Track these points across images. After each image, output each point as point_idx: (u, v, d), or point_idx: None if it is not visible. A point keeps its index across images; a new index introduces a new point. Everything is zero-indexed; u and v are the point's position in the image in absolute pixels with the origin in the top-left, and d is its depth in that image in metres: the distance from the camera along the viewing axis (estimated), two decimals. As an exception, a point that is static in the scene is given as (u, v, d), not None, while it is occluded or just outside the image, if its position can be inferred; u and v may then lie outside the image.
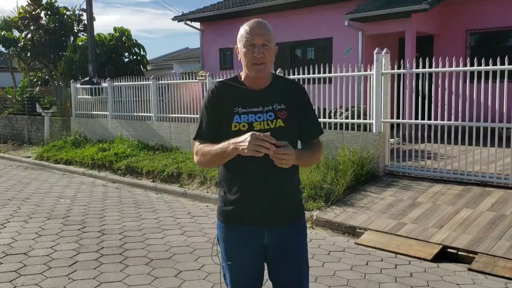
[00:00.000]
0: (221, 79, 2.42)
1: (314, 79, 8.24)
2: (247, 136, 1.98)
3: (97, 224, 6.08)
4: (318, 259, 4.79)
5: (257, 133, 1.98)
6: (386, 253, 4.97)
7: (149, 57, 17.38)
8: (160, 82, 11.18)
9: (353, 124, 7.76)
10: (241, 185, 2.23)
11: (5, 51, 18.27)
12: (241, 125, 2.18)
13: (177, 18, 16.19)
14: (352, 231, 5.65)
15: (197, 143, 2.29)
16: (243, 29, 2.21)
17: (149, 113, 11.22)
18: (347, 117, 7.87)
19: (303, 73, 8.39)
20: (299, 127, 2.27)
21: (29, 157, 12.41)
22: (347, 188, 6.71)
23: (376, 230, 5.46)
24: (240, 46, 2.22)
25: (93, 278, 4.26)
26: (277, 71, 8.77)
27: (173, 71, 23.00)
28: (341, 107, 8.08)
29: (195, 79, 10.67)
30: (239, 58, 2.24)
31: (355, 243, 5.30)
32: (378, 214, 5.88)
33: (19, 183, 9.05)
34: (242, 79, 2.28)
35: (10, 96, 16.60)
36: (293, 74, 8.54)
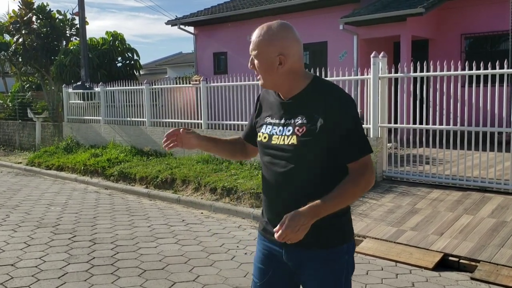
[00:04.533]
0: None
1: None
2: None
3: (88, 233, 5.90)
4: (316, 269, 4.64)
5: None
6: (386, 262, 4.83)
7: (143, 61, 17.27)
8: (154, 86, 11.02)
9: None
10: (264, 197, 2.14)
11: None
12: (263, 136, 2.08)
13: (171, 23, 16.05)
14: (351, 239, 5.51)
15: None
16: None
17: (143, 118, 11.06)
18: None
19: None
20: (331, 148, 1.92)
21: (20, 163, 12.19)
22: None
23: (375, 238, 5.33)
24: None
25: (84, 291, 4.10)
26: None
27: (167, 76, 22.82)
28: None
29: (189, 83, 10.52)
30: None
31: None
32: (377, 221, 5.75)
33: (9, 189, 8.85)
34: None
35: (1, 101, 16.36)
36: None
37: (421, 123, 6.96)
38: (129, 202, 7.84)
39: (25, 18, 15.78)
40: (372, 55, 7.22)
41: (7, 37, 16.62)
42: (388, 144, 7.49)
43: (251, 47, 1.98)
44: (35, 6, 16.06)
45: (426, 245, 5.00)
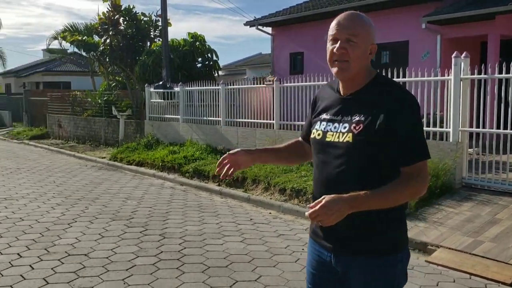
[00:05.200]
0: (328, 82, 2.23)
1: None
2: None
3: (159, 227, 6.09)
4: (383, 277, 4.45)
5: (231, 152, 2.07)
6: (459, 274, 4.54)
7: (224, 62, 17.64)
8: (229, 87, 11.20)
9: (428, 132, 7.27)
10: (315, 196, 2.00)
11: (86, 56, 19.18)
12: (317, 132, 2.01)
13: (249, 24, 16.23)
14: (423, 248, 5.24)
15: None
16: (332, 22, 1.93)
17: (218, 117, 11.27)
18: (421, 125, 7.39)
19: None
20: (387, 148, 1.83)
21: (104, 157, 12.87)
22: (419, 201, 6.26)
23: (449, 248, 5.02)
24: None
25: (148, 284, 4.21)
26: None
27: (245, 76, 23.13)
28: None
29: (263, 84, 10.56)
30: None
31: (426, 261, 4.90)
32: (453, 231, 5.42)
33: (91, 183, 9.37)
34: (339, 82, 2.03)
35: (89, 99, 17.40)
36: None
37: (505, 127, 6.47)
38: (201, 198, 8.00)
39: (112, 19, 16.62)
40: (453, 55, 6.83)
41: (96, 38, 17.63)
42: (469, 150, 7.05)
43: (350, 31, 1.86)
44: (122, 9, 16.87)
45: (505, 258, 4.63)
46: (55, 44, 24.22)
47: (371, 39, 1.90)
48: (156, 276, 4.42)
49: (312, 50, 14.28)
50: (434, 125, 7.23)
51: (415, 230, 5.57)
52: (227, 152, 2.14)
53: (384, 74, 7.77)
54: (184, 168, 9.82)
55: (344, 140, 1.87)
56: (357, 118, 1.86)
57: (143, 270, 4.55)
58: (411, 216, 5.98)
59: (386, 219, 1.87)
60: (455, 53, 6.85)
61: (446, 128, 7.03)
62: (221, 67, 17.61)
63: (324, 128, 1.97)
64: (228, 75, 26.22)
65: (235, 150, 2.16)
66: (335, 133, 1.91)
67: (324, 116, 2.01)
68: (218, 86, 11.42)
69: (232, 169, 2.13)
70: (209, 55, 16.33)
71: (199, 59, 16.25)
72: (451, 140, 6.88)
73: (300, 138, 2.29)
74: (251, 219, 6.62)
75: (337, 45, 1.86)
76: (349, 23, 1.87)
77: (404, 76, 7.68)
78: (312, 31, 14.47)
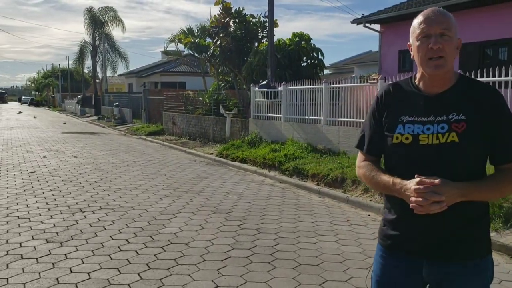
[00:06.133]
0: (393, 82, 2.08)
1: (503, 82, 7.34)
2: (413, 183, 1.73)
3: (256, 222, 6.27)
4: (484, 288, 4.17)
5: (424, 179, 1.71)
6: None
7: (333, 60, 17.53)
8: (332, 86, 11.12)
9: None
10: (401, 206, 1.86)
11: (198, 57, 20.18)
12: (403, 137, 1.85)
13: (357, 21, 15.95)
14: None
15: (360, 153, 2.09)
16: (417, 20, 1.87)
17: (319, 116, 11.26)
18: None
19: (493, 76, 7.53)
20: (487, 146, 1.81)
21: (211, 154, 13.46)
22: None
23: None
24: (412, 40, 1.88)
25: (240, 276, 4.37)
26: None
27: (353, 75, 22.77)
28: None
29: (367, 82, 10.35)
30: (412, 56, 1.91)
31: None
32: None
33: (198, 177, 9.87)
34: (416, 81, 1.93)
35: (200, 99, 18.29)
36: (481, 77, 7.72)
37: None
38: (299, 197, 8.07)
39: (223, 22, 17.31)
40: None
41: (208, 40, 18.48)
42: None
43: (443, 25, 1.81)
44: (232, 11, 17.50)
45: None
46: (172, 46, 25.88)
47: (457, 33, 1.86)
48: (249, 268, 4.57)
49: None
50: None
51: (526, 240, 5.14)
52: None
53: (503, 72, 7.28)
54: (284, 166, 9.96)
55: (448, 141, 1.79)
56: (456, 117, 1.80)
57: (237, 262, 4.73)
58: (522, 225, 5.53)
59: (482, 217, 1.88)
60: None
61: None
62: (328, 65, 17.56)
63: (413, 131, 1.84)
64: (336, 74, 25.98)
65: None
66: (431, 135, 1.81)
67: (407, 118, 1.87)
68: (320, 85, 11.40)
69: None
70: (314, 54, 16.34)
71: (304, 58, 16.33)
72: None
73: (366, 158, 2.04)
74: (348, 220, 6.55)
75: (433, 40, 1.79)
76: (439, 17, 1.82)
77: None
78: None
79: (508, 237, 5.29)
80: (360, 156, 2.08)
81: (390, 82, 2.10)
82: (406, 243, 1.91)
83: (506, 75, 7.39)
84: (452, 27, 1.82)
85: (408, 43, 1.93)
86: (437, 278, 1.88)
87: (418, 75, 1.93)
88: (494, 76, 7.55)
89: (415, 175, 1.76)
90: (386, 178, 1.87)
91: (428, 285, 1.96)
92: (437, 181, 1.69)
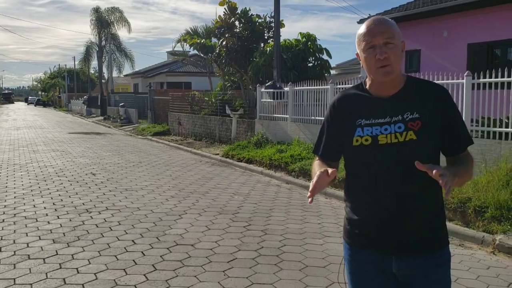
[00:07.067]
0: (345, 89, 2.16)
1: None
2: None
3: (262, 223, 6.25)
4: (492, 291, 4.15)
5: (327, 170, 1.81)
6: None
7: (339, 61, 17.50)
8: (338, 86, 11.09)
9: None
10: (365, 204, 1.99)
11: (204, 57, 20.17)
12: (363, 139, 1.94)
13: (363, 21, 15.87)
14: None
15: (315, 159, 2.15)
16: (360, 31, 1.94)
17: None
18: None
19: (501, 76, 7.48)
20: (441, 139, 1.94)
21: (217, 154, 13.46)
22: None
23: None
24: (359, 51, 1.96)
25: (247, 278, 4.35)
26: (465, 74, 7.98)
27: (359, 75, 22.71)
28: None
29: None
30: (361, 65, 1.99)
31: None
32: None
33: (203, 177, 9.86)
34: (367, 86, 2.01)
35: (206, 99, 18.30)
36: (489, 77, 7.67)
37: None
38: (305, 198, 8.04)
39: (229, 22, 17.29)
40: None
41: (214, 40, 18.48)
42: None
43: (386, 35, 1.87)
44: (238, 11, 17.47)
45: None
46: (178, 47, 25.89)
47: (401, 36, 1.93)
48: (255, 270, 4.55)
49: (430, 47, 13.64)
50: None
51: (535, 243, 5.09)
52: (320, 174, 1.84)
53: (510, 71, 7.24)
54: (290, 167, 9.94)
55: (407, 139, 1.88)
56: (411, 116, 1.90)
57: (243, 264, 4.71)
58: (531, 227, 5.48)
59: (440, 212, 1.99)
60: None
61: None
62: (334, 66, 17.51)
63: (371, 133, 1.92)
64: (343, 74, 25.90)
65: (320, 171, 1.86)
66: (389, 135, 1.90)
67: (364, 121, 1.95)
68: (326, 85, 11.37)
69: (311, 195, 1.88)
70: (320, 54, 16.31)
71: (310, 59, 16.29)
72: None
73: (322, 158, 2.10)
74: (354, 221, 6.51)
75: (378, 50, 1.87)
76: (381, 27, 1.89)
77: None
78: (430, 27, 13.80)
79: (516, 239, 5.23)
80: (314, 161, 2.17)
81: (341, 91, 2.14)
82: (371, 241, 1.98)
83: (514, 75, 7.35)
84: (395, 35, 1.89)
85: (356, 52, 2.00)
86: (405, 272, 1.96)
87: (368, 81, 2.01)
88: (503, 76, 7.49)
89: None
90: (317, 168, 1.98)
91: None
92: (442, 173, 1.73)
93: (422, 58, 14.34)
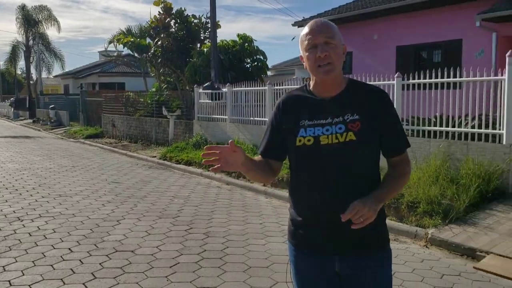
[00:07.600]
0: (289, 91, 2.19)
1: (439, 83, 7.68)
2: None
3: (203, 226, 6.20)
4: (428, 283, 4.35)
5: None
6: (509, 282, 4.36)
7: (273, 62, 17.69)
8: (276, 87, 11.22)
9: (479, 134, 7.03)
10: (308, 204, 2.02)
11: (138, 57, 19.73)
12: (306, 139, 1.98)
13: (297, 24, 16.17)
14: (472, 254, 5.07)
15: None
16: (303, 32, 1.99)
17: (264, 117, 11.32)
18: (473, 127, 7.15)
19: (429, 77, 7.85)
20: (379, 141, 2.00)
21: (154, 156, 13.20)
22: (469, 205, 6.07)
23: (500, 255, 4.84)
24: (302, 51, 2.00)
25: (190, 282, 4.30)
26: (396, 75, 8.32)
27: (294, 77, 23.08)
28: (467, 115, 7.39)
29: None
30: (305, 67, 2.03)
31: (474, 267, 4.74)
32: (504, 237, 5.21)
33: (141, 181, 9.64)
34: (311, 88, 2.06)
35: (141, 100, 17.90)
36: (418, 78, 8.03)
37: None
38: (246, 198, 8.07)
39: (164, 22, 17.03)
40: (507, 54, 6.56)
41: (148, 41, 18.12)
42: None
43: (327, 34, 1.94)
44: (173, 12, 17.25)
45: (560, 268, 4.41)
46: (111, 47, 25.13)
47: (342, 39, 2.00)
48: (199, 274, 4.50)
49: (361, 49, 14.09)
50: (487, 127, 6.97)
51: (463, 235, 5.40)
52: (230, 142, 1.90)
53: (437, 74, 7.61)
54: (230, 168, 9.91)
55: (347, 140, 1.93)
56: (351, 117, 1.95)
57: (186, 268, 4.65)
58: (460, 220, 5.81)
59: (380, 216, 1.98)
60: (509, 52, 6.58)
61: (499, 130, 6.77)
62: (270, 67, 17.67)
63: (314, 133, 1.97)
64: (277, 75, 26.23)
65: (236, 146, 1.92)
66: (330, 136, 1.95)
67: (307, 122, 2.00)
68: (264, 86, 11.47)
69: (217, 165, 1.93)
70: (257, 56, 16.43)
71: (247, 60, 16.38)
72: (504, 143, 6.62)
73: (262, 156, 2.14)
74: (295, 220, 6.61)
75: (319, 48, 1.92)
76: (322, 28, 1.96)
77: (455, 76, 7.46)
78: (361, 30, 14.27)
79: (447, 233, 5.52)
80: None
81: (288, 91, 2.21)
82: (314, 242, 2.02)
83: (436, 77, 7.73)
84: (335, 35, 1.96)
85: (300, 55, 2.04)
86: (348, 272, 2.00)
87: (311, 83, 2.06)
88: (430, 78, 7.86)
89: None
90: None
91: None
92: (360, 206, 1.82)
93: (354, 60, 14.79)
